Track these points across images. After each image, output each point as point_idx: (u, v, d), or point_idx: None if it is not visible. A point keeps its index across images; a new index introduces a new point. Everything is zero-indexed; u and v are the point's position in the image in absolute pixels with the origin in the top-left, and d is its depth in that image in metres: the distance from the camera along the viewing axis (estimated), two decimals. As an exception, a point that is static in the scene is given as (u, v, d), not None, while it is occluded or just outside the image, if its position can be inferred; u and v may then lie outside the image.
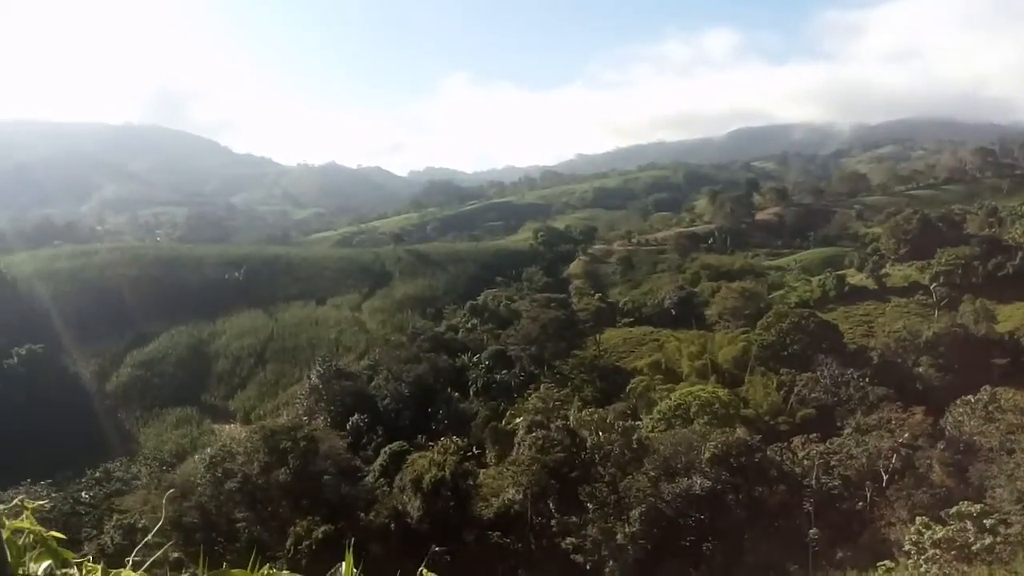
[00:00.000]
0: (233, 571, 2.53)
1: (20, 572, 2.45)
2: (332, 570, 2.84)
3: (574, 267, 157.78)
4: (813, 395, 79.44)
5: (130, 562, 2.70)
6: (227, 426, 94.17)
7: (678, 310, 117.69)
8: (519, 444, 61.02)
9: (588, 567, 50.07)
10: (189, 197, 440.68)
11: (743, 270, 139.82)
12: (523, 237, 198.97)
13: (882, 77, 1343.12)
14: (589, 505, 52.61)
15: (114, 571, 2.59)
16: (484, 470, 65.23)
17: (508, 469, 59.01)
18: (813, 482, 53.42)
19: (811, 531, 49.58)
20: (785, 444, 59.85)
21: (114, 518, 51.83)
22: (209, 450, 60.10)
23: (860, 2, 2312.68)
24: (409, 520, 52.23)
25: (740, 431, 61.49)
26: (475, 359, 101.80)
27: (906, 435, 55.60)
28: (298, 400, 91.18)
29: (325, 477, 55.76)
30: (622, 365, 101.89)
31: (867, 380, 78.95)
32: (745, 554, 49.62)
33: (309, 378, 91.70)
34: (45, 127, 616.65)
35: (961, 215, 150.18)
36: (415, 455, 59.08)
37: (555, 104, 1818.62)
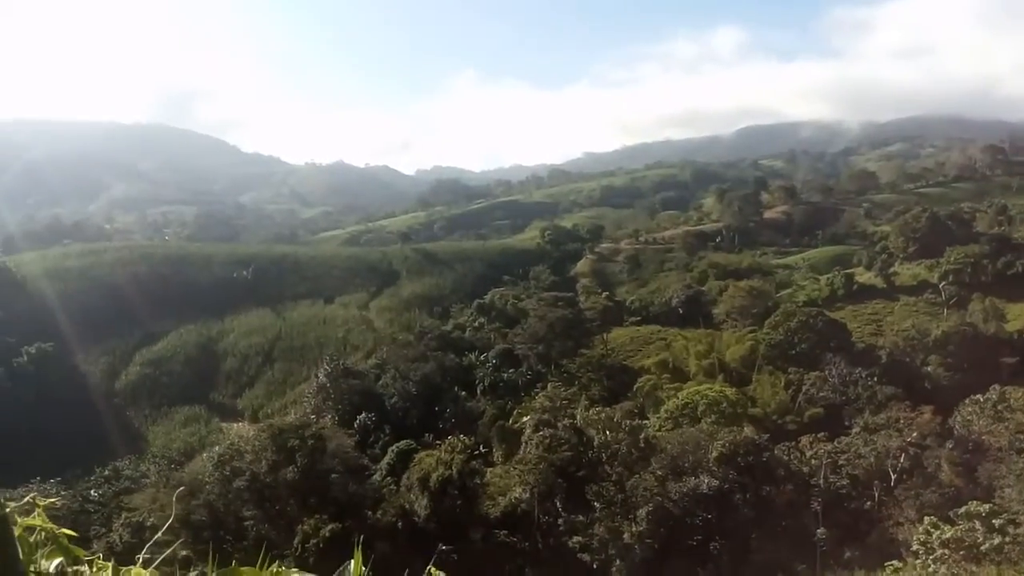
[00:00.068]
0: (242, 569, 2.55)
1: (32, 569, 2.48)
2: (341, 568, 2.86)
3: (581, 266, 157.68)
4: (821, 394, 79.20)
5: (140, 560, 2.73)
6: (235, 424, 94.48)
7: (685, 309, 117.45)
8: (526, 443, 61.07)
9: (595, 566, 50.07)
10: (197, 196, 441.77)
11: (751, 269, 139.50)
12: (530, 236, 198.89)
13: (891, 74, 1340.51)
14: (596, 504, 52.61)
15: (124, 569, 2.62)
16: (491, 469, 65.30)
17: (515, 468, 59.06)
18: (821, 481, 53.28)
19: (819, 530, 49.45)
20: (793, 443, 59.71)
21: (123, 516, 52.02)
22: (217, 448, 60.32)
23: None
24: (416, 519, 52.34)
25: (748, 430, 61.41)
26: (482, 358, 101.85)
27: (914, 434, 55.41)
28: (306, 399, 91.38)
29: (333, 475, 55.90)
30: (629, 364, 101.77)
31: (875, 379, 78.70)
32: (752, 553, 49.57)
33: (317, 377, 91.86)
34: (54, 127, 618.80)
35: (970, 213, 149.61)
36: (422, 454, 59.18)
37: (562, 102, 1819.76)
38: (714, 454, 52.65)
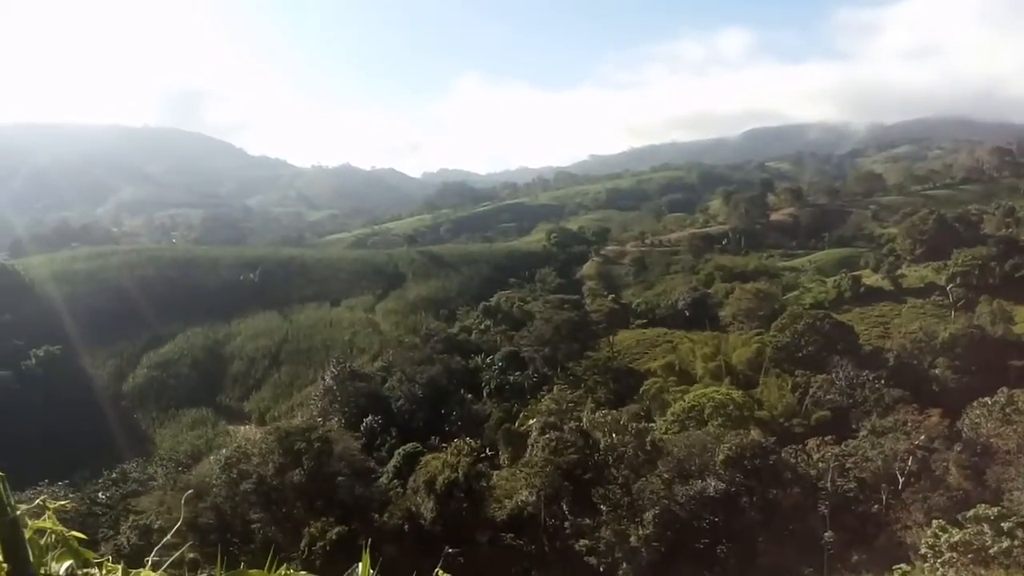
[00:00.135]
0: (251, 572, 2.56)
1: (43, 572, 2.50)
2: (349, 571, 2.87)
3: (587, 268, 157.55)
4: (828, 397, 78.89)
5: (149, 562, 2.75)
6: (242, 427, 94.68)
7: (692, 311, 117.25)
8: (532, 446, 60.99)
9: (601, 569, 50.00)
10: (204, 199, 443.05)
11: (757, 271, 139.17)
12: (536, 238, 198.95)
13: (898, 76, 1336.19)
14: (602, 507, 52.53)
15: (134, 571, 2.64)
16: (497, 472, 65.22)
17: (521, 471, 58.98)
18: (828, 484, 53.10)
19: (826, 534, 49.30)
20: (800, 446, 59.47)
21: (130, 519, 52.24)
22: (224, 451, 60.46)
23: (875, 0, 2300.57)
24: (422, 521, 52.35)
25: (754, 433, 61.30)
26: (488, 360, 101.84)
27: (922, 437, 55.23)
28: (312, 401, 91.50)
29: (339, 478, 55.94)
30: (635, 366, 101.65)
31: (883, 382, 78.38)
32: (759, 557, 49.41)
33: (323, 379, 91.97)
34: (61, 130, 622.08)
35: (978, 215, 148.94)
36: (428, 456, 59.18)
37: (568, 105, 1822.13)
38: (721, 457, 52.52)
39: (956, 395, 73.18)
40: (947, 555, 34.88)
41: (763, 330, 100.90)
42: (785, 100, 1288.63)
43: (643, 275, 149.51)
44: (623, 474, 54.89)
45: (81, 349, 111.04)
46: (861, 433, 62.21)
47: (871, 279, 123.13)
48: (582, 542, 51.53)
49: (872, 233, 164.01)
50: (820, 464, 55.63)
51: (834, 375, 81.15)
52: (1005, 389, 61.00)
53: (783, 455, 55.63)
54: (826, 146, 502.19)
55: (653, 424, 71.09)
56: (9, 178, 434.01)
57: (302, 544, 48.37)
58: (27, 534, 2.46)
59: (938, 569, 33.93)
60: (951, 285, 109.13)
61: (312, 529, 48.96)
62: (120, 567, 2.63)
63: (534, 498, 55.04)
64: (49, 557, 2.56)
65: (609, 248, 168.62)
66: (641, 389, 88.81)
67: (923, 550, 36.72)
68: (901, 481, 52.87)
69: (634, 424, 61.08)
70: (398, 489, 58.72)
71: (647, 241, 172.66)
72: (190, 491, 50.86)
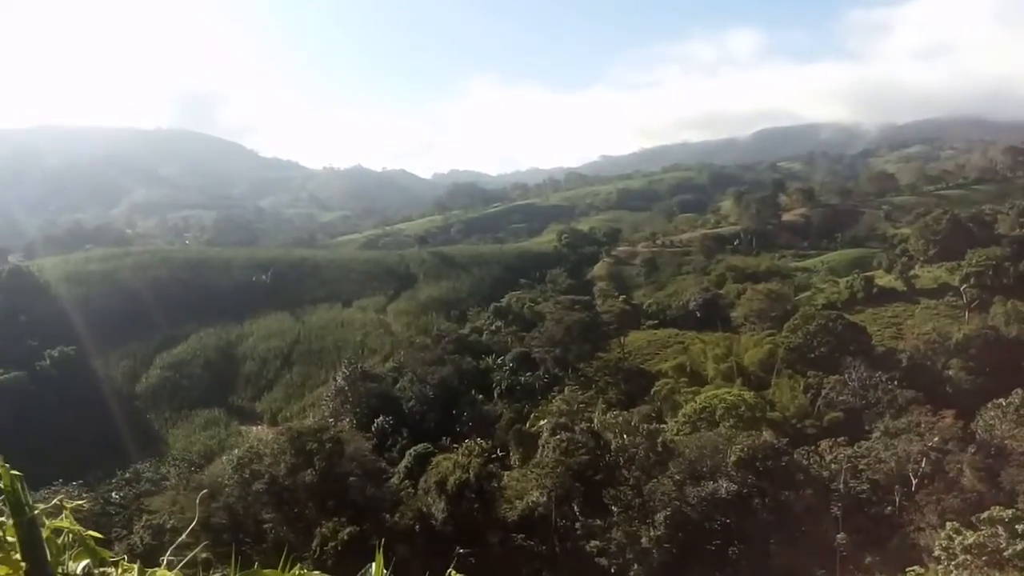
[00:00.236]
0: (264, 571, 2.59)
1: (60, 571, 2.53)
2: (363, 571, 2.89)
3: (598, 269, 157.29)
4: (841, 398, 78.46)
5: (164, 562, 2.78)
6: (254, 428, 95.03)
7: (703, 312, 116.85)
8: (543, 446, 61.01)
9: (613, 570, 49.96)
10: (217, 200, 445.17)
11: (769, 272, 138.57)
12: (547, 239, 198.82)
13: (910, 75, 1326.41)
14: (613, 508, 52.50)
15: (150, 570, 2.67)
16: (508, 472, 65.25)
17: (532, 471, 58.98)
18: (841, 486, 52.87)
19: (839, 536, 49.10)
20: (812, 448, 59.25)
21: (143, 518, 52.55)
22: (237, 451, 60.78)
23: (886, 0, 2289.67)
24: (434, 522, 52.45)
25: (766, 434, 61.12)
26: (499, 361, 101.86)
27: (936, 439, 54.89)
28: (324, 402, 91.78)
29: (351, 478, 56.14)
30: (647, 367, 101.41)
31: (896, 383, 77.87)
32: (771, 559, 49.24)
33: (335, 380, 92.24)
34: (74, 133, 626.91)
35: (992, 215, 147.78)
36: (440, 457, 59.29)
37: (579, 105, 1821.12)
38: (732, 458, 52.40)
39: (970, 396, 72.64)
40: (961, 557, 34.67)
41: (775, 331, 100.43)
42: (796, 100, 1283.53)
43: (654, 276, 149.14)
44: (634, 475, 54.83)
45: (95, 350, 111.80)
46: (874, 434, 61.88)
47: (884, 280, 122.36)
48: (593, 543, 51.50)
49: (885, 233, 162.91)
50: (833, 466, 55.40)
51: (847, 376, 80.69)
52: (1020, 390, 60.36)
53: (795, 456, 55.42)
54: (838, 146, 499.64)
55: (664, 425, 70.96)
56: (24, 181, 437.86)
57: (314, 544, 48.56)
58: (44, 533, 2.49)
59: (952, 571, 33.74)
60: (965, 285, 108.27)
61: (324, 529, 49.16)
62: (136, 566, 2.67)
63: (545, 499, 55.04)
64: (66, 556, 2.59)
65: (620, 249, 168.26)
66: (652, 390, 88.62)
67: (937, 552, 36.52)
68: (915, 483, 52.56)
69: (645, 425, 60.99)
70: (409, 490, 58.86)
71: (658, 242, 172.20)
72: (204, 491, 51.15)
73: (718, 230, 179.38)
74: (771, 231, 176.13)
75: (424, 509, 53.52)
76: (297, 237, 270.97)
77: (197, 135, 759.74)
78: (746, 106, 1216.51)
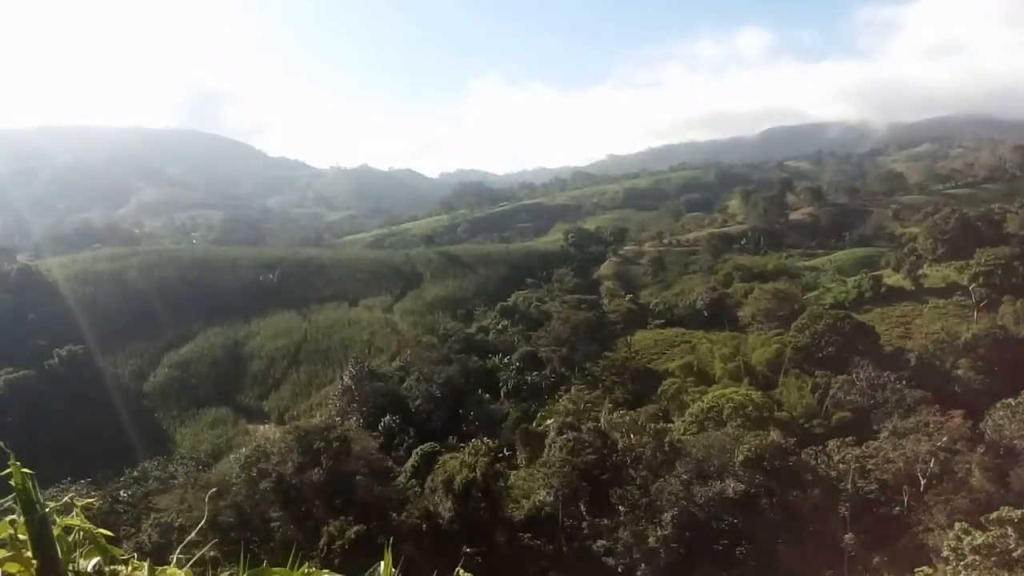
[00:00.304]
0: (273, 569, 2.58)
1: (71, 568, 2.53)
2: (371, 569, 2.89)
3: (605, 268, 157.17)
4: (848, 398, 78.25)
5: (174, 559, 2.78)
6: (261, 426, 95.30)
7: (710, 311, 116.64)
8: (550, 446, 61.01)
9: (619, 570, 49.95)
10: (224, 200, 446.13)
11: (777, 271, 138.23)
12: (553, 238, 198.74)
13: (919, 74, 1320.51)
14: (620, 508, 52.46)
15: (160, 568, 2.67)
16: (515, 472, 65.34)
17: (539, 471, 59.04)
18: (849, 486, 52.72)
19: (846, 536, 48.95)
20: (820, 448, 59.09)
21: (151, 517, 52.71)
22: (244, 450, 60.99)
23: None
24: (440, 521, 52.48)
25: (774, 434, 60.91)
26: (506, 360, 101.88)
27: (944, 439, 54.69)
28: (331, 401, 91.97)
29: (358, 477, 56.26)
30: (653, 367, 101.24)
31: (904, 383, 77.56)
32: (779, 559, 49.14)
33: (342, 379, 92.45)
34: (82, 133, 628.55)
35: (1001, 214, 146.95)
36: (446, 456, 59.36)
37: (586, 104, 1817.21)
38: (740, 458, 52.31)
39: (979, 396, 72.35)
40: (970, 558, 34.52)
41: (782, 330, 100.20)
42: (804, 99, 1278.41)
43: (661, 275, 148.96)
44: (641, 475, 54.80)
45: (103, 349, 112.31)
46: (882, 434, 61.70)
47: (892, 279, 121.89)
48: (600, 542, 51.50)
49: (893, 232, 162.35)
50: (840, 466, 55.24)
51: (854, 376, 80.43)
52: (1029, 390, 60.24)
53: (803, 456, 55.30)
54: (846, 145, 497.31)
55: (671, 425, 70.90)
56: (32, 180, 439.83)
57: (321, 543, 48.67)
58: (56, 531, 2.49)
59: (961, 572, 33.60)
60: (973, 285, 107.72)
61: (331, 528, 49.25)
62: (146, 564, 2.66)
63: (552, 498, 55.08)
64: (77, 554, 2.59)
65: (627, 248, 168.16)
66: (659, 390, 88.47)
67: (945, 553, 36.38)
68: (923, 483, 52.37)
69: (652, 425, 60.99)
70: (416, 489, 58.93)
71: (665, 241, 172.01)
72: (213, 489, 51.30)
73: (725, 229, 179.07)
74: (778, 230, 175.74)
75: (431, 508, 53.56)
76: (304, 236, 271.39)
77: (204, 135, 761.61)
78: (754, 105, 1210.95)
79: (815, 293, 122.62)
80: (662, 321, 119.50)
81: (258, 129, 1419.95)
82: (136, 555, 2.81)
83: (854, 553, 48.38)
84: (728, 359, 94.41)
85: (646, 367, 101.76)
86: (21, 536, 2.43)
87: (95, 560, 2.59)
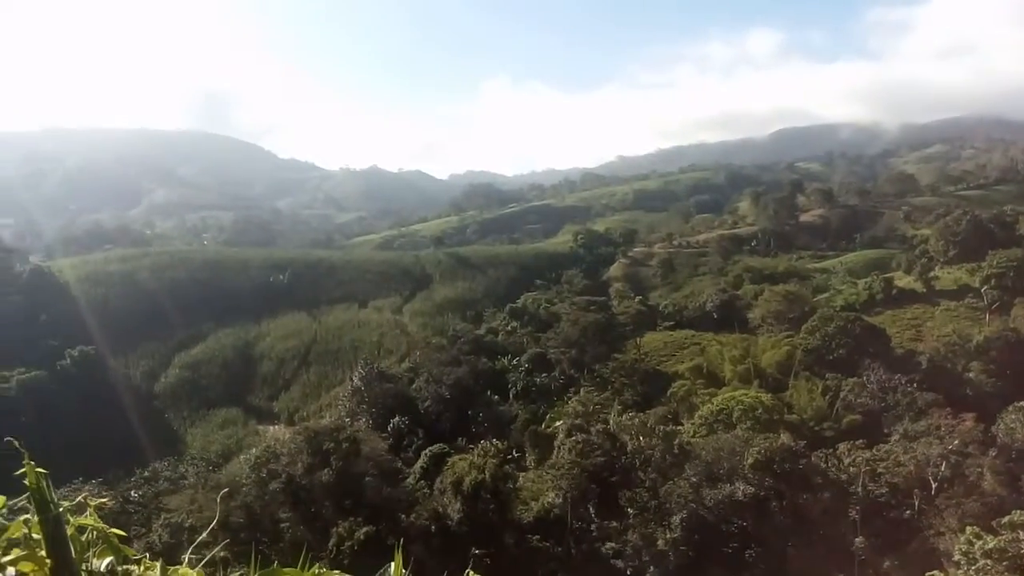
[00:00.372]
0: (284, 570, 2.61)
1: (84, 568, 2.56)
2: (381, 570, 2.91)
3: (614, 270, 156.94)
4: (859, 400, 77.84)
5: (186, 559, 2.81)
6: (271, 427, 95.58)
7: (720, 313, 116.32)
8: (559, 448, 60.99)
9: (628, 572, 49.87)
10: (235, 201, 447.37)
11: (787, 273, 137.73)
12: (563, 240, 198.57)
13: (930, 75, 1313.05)
14: (629, 510, 52.39)
15: (172, 568, 2.70)
16: (524, 473, 65.36)
17: (548, 473, 59.02)
18: (859, 489, 52.48)
19: (857, 539, 48.74)
20: (830, 451, 58.88)
21: (162, 517, 52.93)
22: (254, 451, 61.22)
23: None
24: (449, 522, 52.51)
25: (784, 437, 60.73)
26: (515, 362, 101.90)
27: (956, 442, 54.38)
28: (341, 402, 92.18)
29: (367, 478, 56.35)
30: (663, 369, 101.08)
31: (915, 385, 77.15)
32: (788, 562, 48.96)
33: (351, 380, 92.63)
34: (93, 134, 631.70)
35: (1013, 216, 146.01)
36: (455, 458, 59.40)
37: (596, 105, 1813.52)
38: (749, 461, 52.12)
39: (991, 399, 71.93)
40: (981, 562, 34.31)
41: (793, 332, 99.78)
42: (815, 100, 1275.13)
43: (671, 277, 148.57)
44: (650, 477, 54.71)
45: (114, 350, 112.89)
46: (893, 437, 61.41)
47: (903, 281, 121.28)
48: (609, 545, 51.42)
49: (904, 234, 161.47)
50: (851, 469, 55.01)
51: (865, 378, 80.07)
52: (1042, 393, 59.87)
53: (813, 459, 55.09)
54: (857, 146, 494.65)
55: (681, 427, 70.78)
56: (43, 182, 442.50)
57: (330, 543, 48.78)
58: (69, 531, 2.52)
59: (972, 576, 33.39)
60: (985, 287, 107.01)
61: (340, 529, 49.37)
62: (158, 564, 2.69)
63: (560, 500, 55.04)
64: (90, 553, 2.62)
65: (636, 249, 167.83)
66: (669, 392, 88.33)
67: (956, 557, 36.17)
68: (934, 486, 52.09)
69: (661, 427, 60.88)
70: (425, 490, 59.01)
71: (675, 242, 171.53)
72: (224, 490, 51.50)
73: (735, 231, 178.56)
74: (789, 232, 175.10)
75: (440, 509, 53.61)
76: (314, 238, 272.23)
77: (215, 136, 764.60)
78: (764, 106, 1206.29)
79: (826, 295, 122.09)
80: (672, 323, 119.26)
81: (268, 130, 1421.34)
82: (147, 555, 2.84)
83: (864, 557, 48.17)
84: (738, 361, 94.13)
85: (655, 369, 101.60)
86: (35, 535, 2.47)
87: (108, 559, 2.62)
